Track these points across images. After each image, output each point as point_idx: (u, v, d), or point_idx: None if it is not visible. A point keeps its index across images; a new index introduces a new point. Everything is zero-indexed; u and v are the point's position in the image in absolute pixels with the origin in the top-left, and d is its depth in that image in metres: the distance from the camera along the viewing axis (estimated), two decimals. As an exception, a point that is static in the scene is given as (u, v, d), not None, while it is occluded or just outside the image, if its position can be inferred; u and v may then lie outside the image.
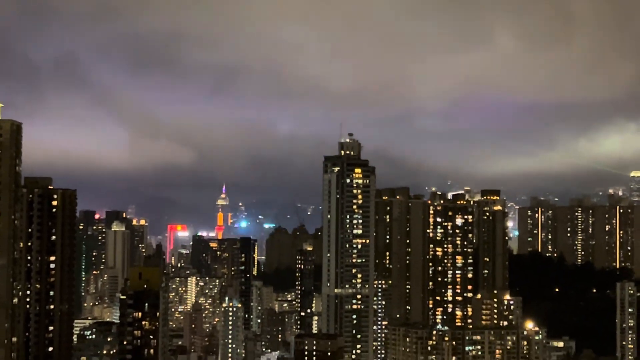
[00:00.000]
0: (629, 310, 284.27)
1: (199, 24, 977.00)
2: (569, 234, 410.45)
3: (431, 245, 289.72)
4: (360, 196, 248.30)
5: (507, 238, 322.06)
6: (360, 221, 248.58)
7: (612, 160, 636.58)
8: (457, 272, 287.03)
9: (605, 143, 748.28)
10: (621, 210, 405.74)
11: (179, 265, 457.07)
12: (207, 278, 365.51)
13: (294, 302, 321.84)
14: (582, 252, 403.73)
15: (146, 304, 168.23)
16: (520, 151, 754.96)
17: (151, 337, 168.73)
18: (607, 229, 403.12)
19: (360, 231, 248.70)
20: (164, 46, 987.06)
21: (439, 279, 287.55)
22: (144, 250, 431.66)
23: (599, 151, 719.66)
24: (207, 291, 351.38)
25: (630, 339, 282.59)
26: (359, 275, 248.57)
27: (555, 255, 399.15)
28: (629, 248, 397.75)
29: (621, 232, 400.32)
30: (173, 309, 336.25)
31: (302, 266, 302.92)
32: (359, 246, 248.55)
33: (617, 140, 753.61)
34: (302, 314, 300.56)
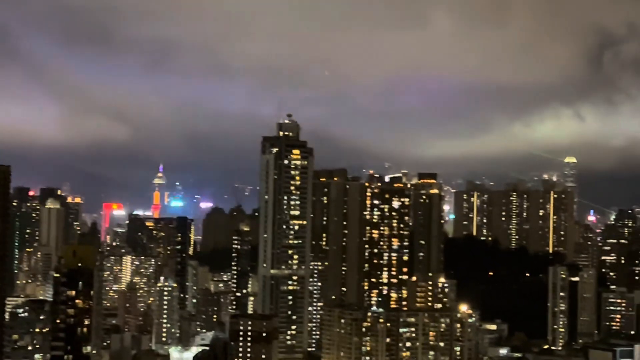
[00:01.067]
0: (561, 294, 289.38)
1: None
2: (503, 218, 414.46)
3: (368, 228, 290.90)
4: (298, 177, 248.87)
5: (442, 221, 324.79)
6: (298, 202, 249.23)
7: (547, 145, 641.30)
8: (392, 254, 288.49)
9: (541, 128, 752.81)
10: (555, 196, 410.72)
11: (114, 243, 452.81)
12: (142, 257, 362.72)
13: (229, 283, 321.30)
14: (517, 236, 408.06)
15: (80, 283, 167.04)
16: (456, 134, 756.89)
17: (85, 315, 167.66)
18: (541, 214, 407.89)
19: (297, 212, 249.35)
20: (97, 20, 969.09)
21: (375, 261, 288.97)
22: (78, 228, 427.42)
23: (534, 136, 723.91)
24: (142, 270, 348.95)
25: (561, 322, 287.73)
26: (296, 257, 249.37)
27: (490, 239, 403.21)
28: (562, 233, 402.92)
29: (555, 217, 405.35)
30: (107, 288, 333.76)
31: (239, 246, 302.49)
32: (296, 227, 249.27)
33: (552, 126, 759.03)
34: (238, 294, 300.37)
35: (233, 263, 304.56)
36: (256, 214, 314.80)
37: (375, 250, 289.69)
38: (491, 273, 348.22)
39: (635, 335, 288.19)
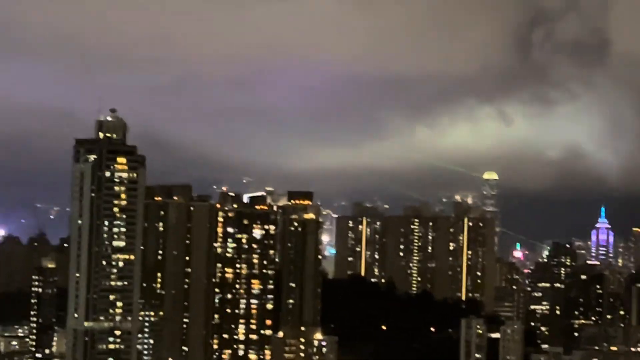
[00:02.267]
0: (477, 355, 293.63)
1: None
2: (402, 253, 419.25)
3: (219, 265, 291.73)
4: (124, 195, 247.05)
5: (320, 257, 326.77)
6: (124, 229, 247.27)
7: (460, 156, 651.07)
8: (252, 301, 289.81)
9: (452, 132, 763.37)
10: (470, 224, 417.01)
11: None
12: None
13: (26, 340, 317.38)
14: (419, 278, 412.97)
15: None
16: (339, 140, 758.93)
17: None
18: (451, 248, 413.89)
19: (122, 243, 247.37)
20: None
21: (228, 310, 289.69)
22: None
23: (442, 143, 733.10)
24: None
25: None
26: (119, 304, 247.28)
27: (384, 280, 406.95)
28: (478, 274, 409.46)
29: (469, 252, 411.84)
30: None
31: (41, 290, 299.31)
32: (121, 264, 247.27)
33: (467, 130, 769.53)
34: (38, 355, 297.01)
35: (32, 313, 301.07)
36: (65, 244, 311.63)
37: (229, 296, 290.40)
38: (384, 327, 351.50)
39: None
